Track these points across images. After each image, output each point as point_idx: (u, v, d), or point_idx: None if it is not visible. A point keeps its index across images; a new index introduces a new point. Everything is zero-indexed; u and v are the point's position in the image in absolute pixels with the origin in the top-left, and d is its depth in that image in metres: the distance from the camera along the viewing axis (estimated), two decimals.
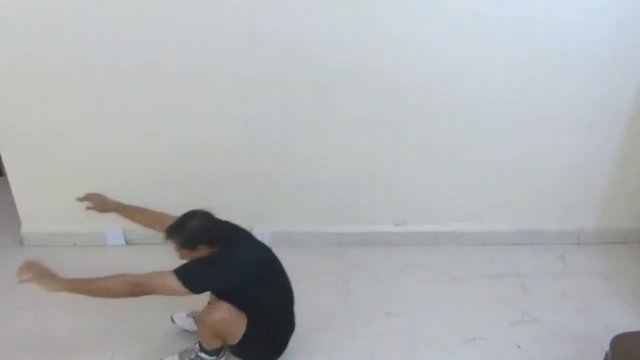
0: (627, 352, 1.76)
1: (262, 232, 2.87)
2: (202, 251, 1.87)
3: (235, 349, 2.08)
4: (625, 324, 2.35)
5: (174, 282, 1.80)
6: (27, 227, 2.84)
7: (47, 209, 2.79)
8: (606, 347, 1.83)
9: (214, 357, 2.12)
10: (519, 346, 2.28)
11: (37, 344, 2.24)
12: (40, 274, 1.80)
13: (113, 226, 2.84)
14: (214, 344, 2.06)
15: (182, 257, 1.91)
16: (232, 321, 1.95)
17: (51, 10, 2.31)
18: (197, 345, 2.12)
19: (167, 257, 2.87)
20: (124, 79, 2.46)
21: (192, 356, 2.12)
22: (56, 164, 2.67)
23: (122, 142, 2.62)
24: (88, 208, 2.20)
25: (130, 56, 2.41)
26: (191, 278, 1.83)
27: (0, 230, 2.94)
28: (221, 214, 2.10)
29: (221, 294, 1.98)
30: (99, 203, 2.19)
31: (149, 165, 2.67)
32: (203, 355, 2.11)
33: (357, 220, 2.90)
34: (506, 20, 2.40)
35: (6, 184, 2.73)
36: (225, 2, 2.31)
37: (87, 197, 2.19)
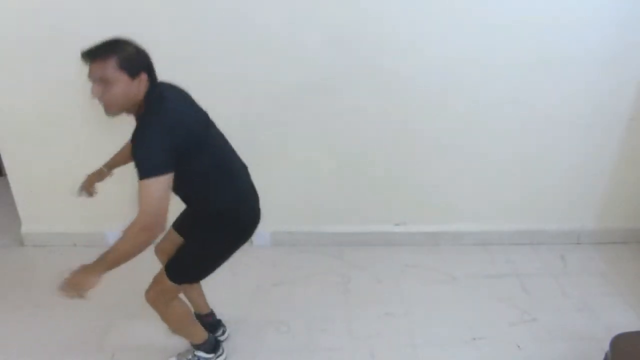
0: (627, 352, 1.76)
1: (262, 232, 2.88)
2: (140, 83, 1.57)
3: (195, 266, 1.88)
4: (625, 324, 2.35)
5: (157, 181, 1.51)
6: (27, 227, 2.84)
7: (47, 209, 2.80)
8: (606, 347, 1.82)
9: (212, 355, 2.12)
10: (519, 346, 2.28)
11: (37, 344, 2.24)
12: (76, 289, 1.60)
13: (113, 226, 2.84)
14: (182, 318, 1.98)
15: (110, 84, 1.51)
16: (158, 288, 1.90)
17: (54, 11, 2.31)
18: (192, 345, 2.12)
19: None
20: None
21: (190, 356, 2.12)
22: (56, 164, 2.67)
23: (124, 141, 2.62)
24: (92, 195, 2.09)
25: None
26: (161, 163, 1.53)
27: (0, 230, 2.95)
28: None
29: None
30: (94, 181, 2.08)
31: None
32: (201, 354, 2.11)
33: (357, 220, 2.90)
34: (506, 20, 2.40)
35: (6, 184, 2.73)
36: (226, 1, 2.31)
37: (84, 188, 2.08)
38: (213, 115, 2.56)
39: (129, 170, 2.80)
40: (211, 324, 2.25)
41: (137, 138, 1.56)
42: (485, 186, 2.81)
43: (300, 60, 2.45)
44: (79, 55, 2.41)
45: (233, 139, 2.63)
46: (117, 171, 2.68)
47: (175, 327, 2.03)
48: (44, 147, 2.62)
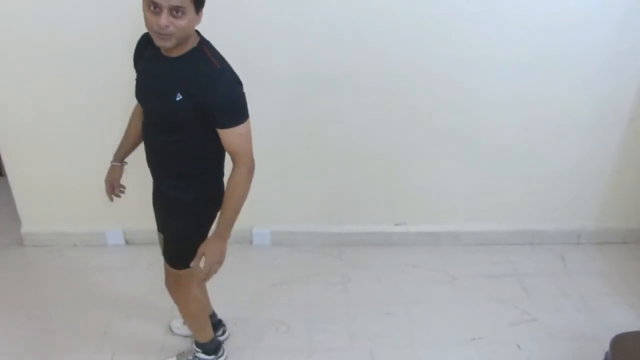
0: (627, 352, 1.76)
1: (262, 232, 2.88)
2: (199, 19, 1.53)
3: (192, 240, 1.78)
4: (625, 324, 2.35)
5: (248, 124, 1.60)
6: (27, 227, 2.84)
7: (47, 209, 2.79)
8: (606, 347, 1.83)
9: (212, 357, 2.12)
10: (519, 346, 2.28)
11: (37, 344, 2.24)
12: (219, 263, 1.67)
13: (113, 226, 2.84)
14: (198, 311, 2.00)
15: (182, 15, 1.44)
16: (171, 277, 1.88)
17: (54, 11, 2.31)
18: (194, 346, 2.12)
19: None
20: (124, 78, 2.46)
21: (190, 357, 2.12)
22: (56, 163, 2.66)
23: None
24: (121, 193, 2.02)
25: (129, 55, 2.41)
26: (246, 107, 1.60)
27: (0, 230, 2.94)
28: None
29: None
30: (113, 182, 1.99)
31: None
32: (201, 355, 2.11)
33: (357, 220, 2.90)
34: (505, 20, 2.39)
35: (6, 184, 2.73)
36: None
37: (109, 193, 1.99)
38: None
39: (130, 168, 2.81)
40: (212, 324, 2.26)
41: (210, 82, 1.52)
42: (485, 186, 2.81)
43: (299, 57, 2.45)
44: (81, 54, 2.43)
45: None
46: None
47: (190, 318, 2.04)
48: (44, 147, 2.62)
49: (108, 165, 2.65)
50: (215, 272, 1.67)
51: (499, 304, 2.52)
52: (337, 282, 2.65)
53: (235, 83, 1.58)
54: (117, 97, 2.50)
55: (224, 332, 2.27)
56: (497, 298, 2.56)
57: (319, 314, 2.44)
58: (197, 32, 1.61)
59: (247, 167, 1.62)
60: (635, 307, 2.51)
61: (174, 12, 1.43)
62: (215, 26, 2.36)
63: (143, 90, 1.69)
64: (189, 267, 1.81)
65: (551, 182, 2.82)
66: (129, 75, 2.45)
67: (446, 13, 2.37)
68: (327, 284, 2.64)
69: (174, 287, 1.92)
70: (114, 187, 1.98)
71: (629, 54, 2.50)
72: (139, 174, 2.72)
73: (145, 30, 1.56)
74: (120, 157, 1.97)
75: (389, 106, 2.58)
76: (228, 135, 1.58)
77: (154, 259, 2.72)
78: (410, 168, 2.75)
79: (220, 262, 1.68)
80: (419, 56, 2.46)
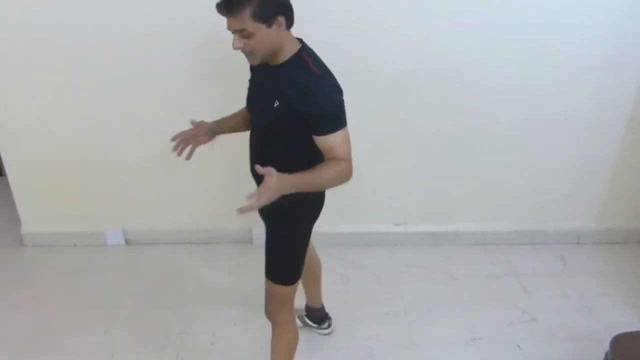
0: (627, 352, 1.76)
1: (262, 232, 2.87)
2: (279, 28, 1.48)
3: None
4: (625, 324, 2.35)
5: (347, 131, 1.54)
6: (27, 227, 2.84)
7: (47, 209, 2.80)
8: (606, 347, 1.83)
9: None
10: (519, 346, 2.28)
11: (37, 344, 2.24)
12: (269, 194, 1.40)
13: (113, 226, 2.84)
14: (293, 343, 1.88)
15: (249, 39, 1.46)
16: (277, 299, 1.79)
17: (54, 11, 2.31)
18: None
19: (166, 258, 2.87)
20: (125, 78, 2.47)
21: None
22: (56, 163, 2.67)
23: (124, 141, 2.62)
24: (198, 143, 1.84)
25: (131, 56, 2.41)
26: (345, 114, 1.55)
27: (0, 230, 2.95)
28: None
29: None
30: (202, 134, 1.85)
31: (150, 165, 2.67)
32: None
33: (357, 220, 2.89)
34: (505, 20, 2.40)
35: (6, 184, 2.73)
36: None
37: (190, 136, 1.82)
38: (214, 114, 2.57)
39: (129, 170, 2.80)
40: (319, 317, 2.31)
41: (308, 90, 1.49)
42: (485, 186, 2.81)
43: None
44: (81, 54, 2.43)
45: (233, 137, 2.64)
46: (115, 170, 2.69)
47: (282, 350, 1.87)
48: (44, 147, 2.62)
49: (108, 165, 2.67)
50: (262, 201, 1.38)
51: (499, 304, 2.52)
52: (337, 282, 2.65)
53: (333, 90, 1.54)
54: (118, 97, 2.51)
55: (329, 325, 2.32)
56: (497, 298, 2.56)
57: None
58: (300, 40, 1.60)
59: (345, 168, 1.54)
60: (635, 307, 2.51)
61: (242, 35, 1.45)
62: (215, 27, 2.37)
63: (250, 98, 1.73)
64: (294, 282, 1.78)
65: (551, 182, 2.82)
66: (130, 76, 2.47)
67: (445, 13, 2.37)
68: (327, 284, 2.63)
69: (278, 310, 1.80)
70: (196, 135, 1.82)
71: (629, 53, 2.50)
72: (140, 173, 2.72)
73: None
74: (222, 127, 1.89)
75: (388, 105, 2.58)
76: (325, 142, 1.53)
77: (154, 259, 2.73)
78: (410, 168, 2.75)
79: (269, 198, 1.40)
80: (418, 55, 2.46)
